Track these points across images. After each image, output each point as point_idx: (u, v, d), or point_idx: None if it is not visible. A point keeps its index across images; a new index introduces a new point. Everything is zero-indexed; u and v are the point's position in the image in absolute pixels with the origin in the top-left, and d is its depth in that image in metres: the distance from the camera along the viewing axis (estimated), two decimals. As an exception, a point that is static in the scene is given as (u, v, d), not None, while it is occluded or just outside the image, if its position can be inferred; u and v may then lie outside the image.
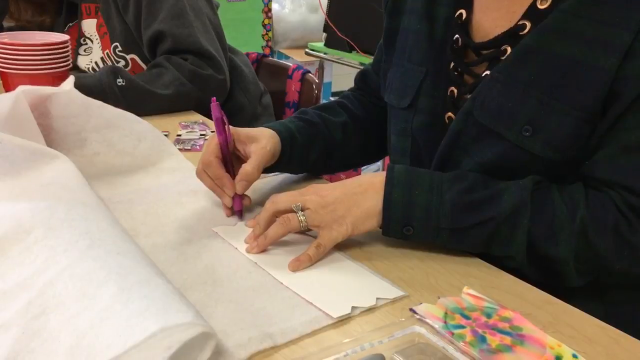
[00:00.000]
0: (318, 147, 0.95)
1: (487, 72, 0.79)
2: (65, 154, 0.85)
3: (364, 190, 0.75)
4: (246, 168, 0.83)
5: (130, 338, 0.48)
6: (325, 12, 2.70)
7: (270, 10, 3.59)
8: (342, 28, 2.59)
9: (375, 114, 1.04)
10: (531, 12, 0.76)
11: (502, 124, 0.75)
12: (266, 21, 3.58)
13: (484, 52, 0.81)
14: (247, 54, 1.74)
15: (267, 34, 3.61)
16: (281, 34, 3.64)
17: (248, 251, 0.74)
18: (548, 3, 0.75)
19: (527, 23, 0.76)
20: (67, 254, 0.59)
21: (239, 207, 0.84)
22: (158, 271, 0.60)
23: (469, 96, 0.80)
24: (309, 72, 1.65)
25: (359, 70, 1.13)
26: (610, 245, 0.70)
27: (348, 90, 1.11)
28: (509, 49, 0.77)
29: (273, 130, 0.89)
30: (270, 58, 1.83)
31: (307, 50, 2.92)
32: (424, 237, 0.74)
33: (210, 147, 0.84)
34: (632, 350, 0.59)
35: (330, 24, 2.63)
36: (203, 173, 0.85)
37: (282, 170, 0.93)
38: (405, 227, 0.74)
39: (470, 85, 0.82)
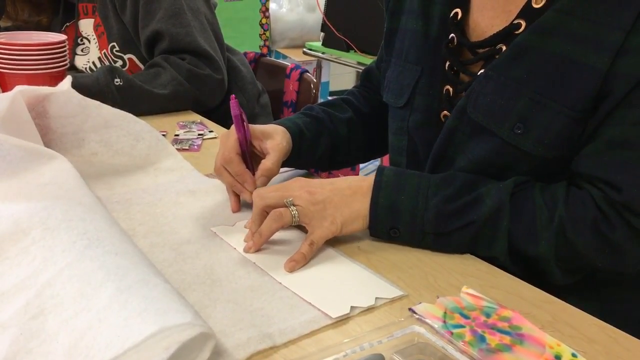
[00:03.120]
0: (324, 142, 0.96)
1: (483, 71, 0.79)
2: (62, 154, 0.85)
3: (352, 193, 0.76)
4: (266, 164, 0.84)
5: (128, 339, 0.48)
6: (322, 11, 2.70)
7: (267, 9, 3.59)
8: (339, 27, 2.59)
9: (379, 110, 1.04)
10: (526, 11, 0.76)
11: (495, 121, 0.76)
12: (264, 20, 3.58)
13: (480, 51, 0.81)
14: (245, 54, 1.74)
15: (264, 33, 3.60)
16: (279, 33, 3.64)
17: (246, 251, 0.74)
18: (543, 2, 0.75)
19: (522, 22, 0.76)
20: (65, 254, 0.59)
21: None
22: (156, 271, 0.60)
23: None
24: (307, 71, 1.65)
25: (356, 69, 1.14)
26: (590, 243, 0.70)
27: (354, 87, 1.12)
28: (504, 48, 0.77)
29: (283, 126, 0.90)
30: (268, 58, 1.83)
31: (304, 49, 2.92)
32: (409, 239, 0.76)
33: (229, 143, 0.84)
34: (632, 349, 0.59)
35: (328, 23, 2.63)
36: (223, 170, 0.85)
37: (290, 166, 0.94)
38: (391, 229, 0.75)
39: (465, 84, 0.82)
